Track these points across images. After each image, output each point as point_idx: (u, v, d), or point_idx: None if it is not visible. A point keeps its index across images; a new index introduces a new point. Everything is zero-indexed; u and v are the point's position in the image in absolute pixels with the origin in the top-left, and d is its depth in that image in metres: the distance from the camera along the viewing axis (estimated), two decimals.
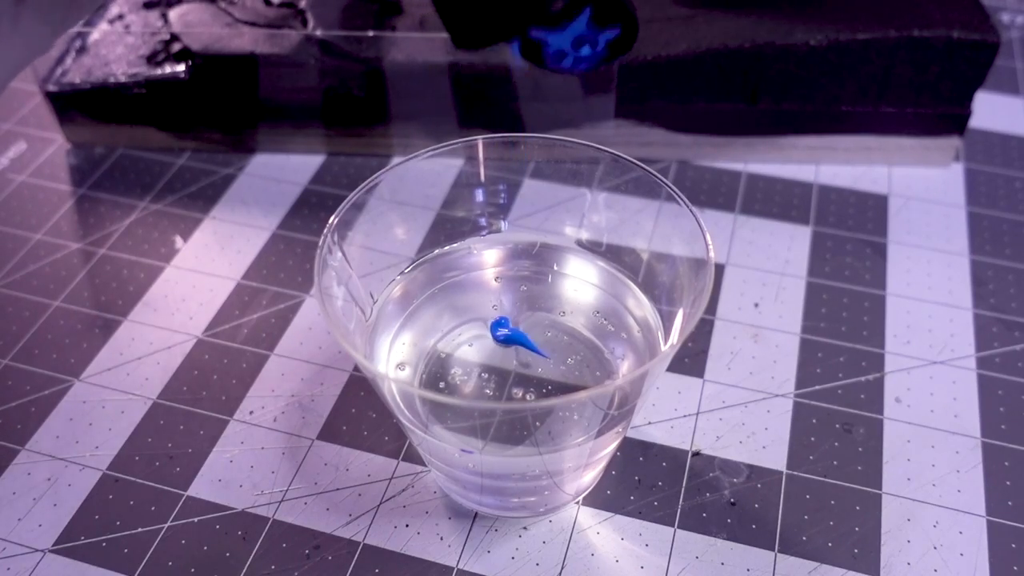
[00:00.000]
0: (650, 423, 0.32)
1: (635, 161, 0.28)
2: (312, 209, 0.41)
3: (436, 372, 0.28)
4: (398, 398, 0.26)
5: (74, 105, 0.42)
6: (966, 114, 0.42)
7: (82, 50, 0.42)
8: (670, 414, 0.32)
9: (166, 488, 0.30)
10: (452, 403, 0.26)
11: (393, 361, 0.28)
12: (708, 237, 0.25)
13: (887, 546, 0.29)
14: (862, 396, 0.33)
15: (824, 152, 0.43)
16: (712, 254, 0.25)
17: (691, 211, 0.26)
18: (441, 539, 0.29)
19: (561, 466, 0.26)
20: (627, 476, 0.30)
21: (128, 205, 0.41)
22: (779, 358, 0.34)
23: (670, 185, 0.27)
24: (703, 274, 0.25)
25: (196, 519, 0.29)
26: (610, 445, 0.28)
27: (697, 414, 0.32)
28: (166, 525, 0.29)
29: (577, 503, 0.29)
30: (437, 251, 0.31)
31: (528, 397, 0.27)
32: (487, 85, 0.40)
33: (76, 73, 0.42)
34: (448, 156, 0.28)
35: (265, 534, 0.29)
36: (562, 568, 0.28)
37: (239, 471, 0.30)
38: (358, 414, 0.32)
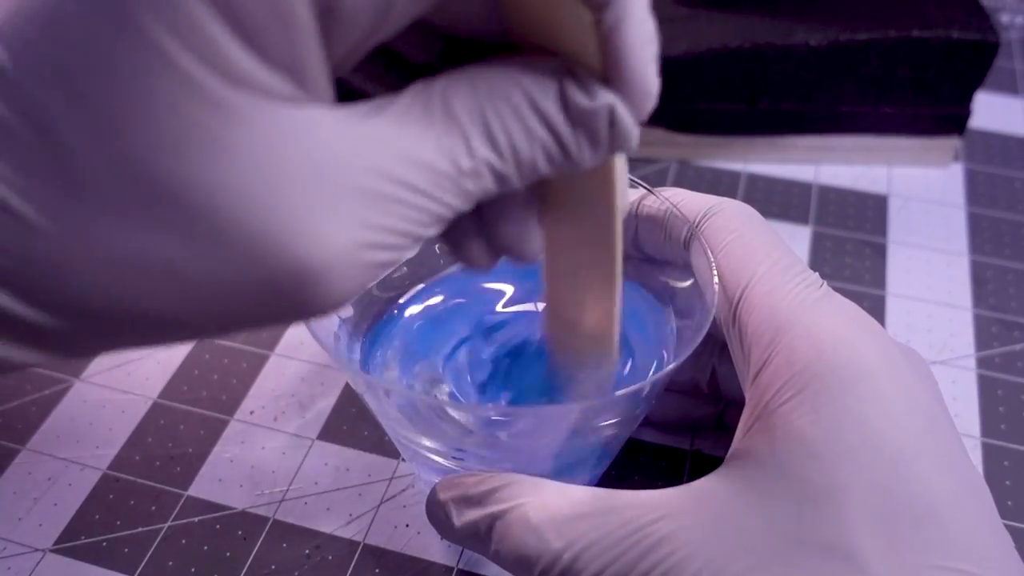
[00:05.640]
0: (650, 423, 0.32)
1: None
2: None
3: (426, 383, 0.28)
4: (388, 407, 0.26)
5: None
6: (966, 114, 0.42)
7: None
8: None
9: (166, 488, 0.30)
10: (438, 403, 0.26)
11: (384, 369, 0.28)
12: (713, 263, 0.25)
13: None
14: None
15: (824, 152, 0.43)
16: (716, 279, 0.25)
17: (692, 230, 0.26)
18: (441, 539, 0.29)
19: (558, 472, 0.26)
20: (627, 476, 0.30)
21: None
22: None
23: (672, 204, 0.27)
24: (704, 294, 0.25)
25: (196, 519, 0.29)
26: (607, 452, 0.27)
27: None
28: (166, 525, 0.29)
29: None
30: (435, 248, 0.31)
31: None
32: None
33: None
34: None
35: (265, 534, 0.29)
36: None
37: (239, 471, 0.30)
38: (358, 414, 0.32)
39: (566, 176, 0.18)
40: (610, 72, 0.16)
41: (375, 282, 0.16)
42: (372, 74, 0.19)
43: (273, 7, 0.14)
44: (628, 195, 0.21)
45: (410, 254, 0.17)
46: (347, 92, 0.17)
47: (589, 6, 0.15)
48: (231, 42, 0.14)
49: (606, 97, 0.17)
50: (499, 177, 0.17)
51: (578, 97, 0.16)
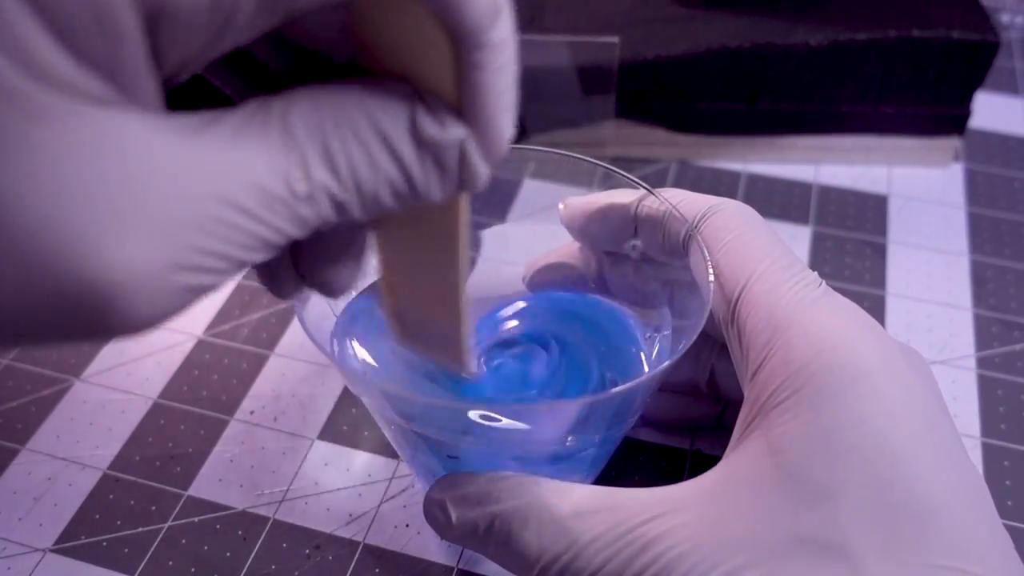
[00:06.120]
0: (650, 423, 0.32)
1: (621, 172, 0.28)
2: None
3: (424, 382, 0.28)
4: (382, 404, 0.26)
5: None
6: (966, 114, 0.42)
7: None
8: None
9: (166, 488, 0.30)
10: (428, 402, 0.26)
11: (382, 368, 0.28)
12: (709, 262, 0.25)
13: None
14: None
15: (824, 152, 0.43)
16: (713, 278, 0.25)
17: (691, 231, 0.26)
18: (440, 539, 0.29)
19: (555, 471, 0.26)
20: (627, 476, 0.30)
21: None
22: None
23: (670, 203, 0.27)
24: (701, 292, 0.25)
25: (196, 519, 0.29)
26: (605, 449, 0.27)
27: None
28: (166, 525, 0.29)
29: None
30: None
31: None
32: None
33: None
34: None
35: (265, 534, 0.29)
36: None
37: (239, 471, 0.30)
38: (358, 414, 0.32)
39: (407, 210, 0.17)
40: (465, 109, 0.15)
41: (190, 307, 0.15)
42: (224, 76, 0.18)
43: (91, 3, 0.12)
44: (470, 236, 0.19)
45: (231, 278, 0.15)
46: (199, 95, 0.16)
47: (453, 40, 0.15)
48: (36, 33, 0.12)
49: (458, 131, 0.16)
50: (338, 206, 0.15)
51: (429, 127, 0.15)
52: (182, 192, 0.14)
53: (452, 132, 0.16)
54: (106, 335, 0.14)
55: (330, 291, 0.20)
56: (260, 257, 0.15)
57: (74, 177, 0.13)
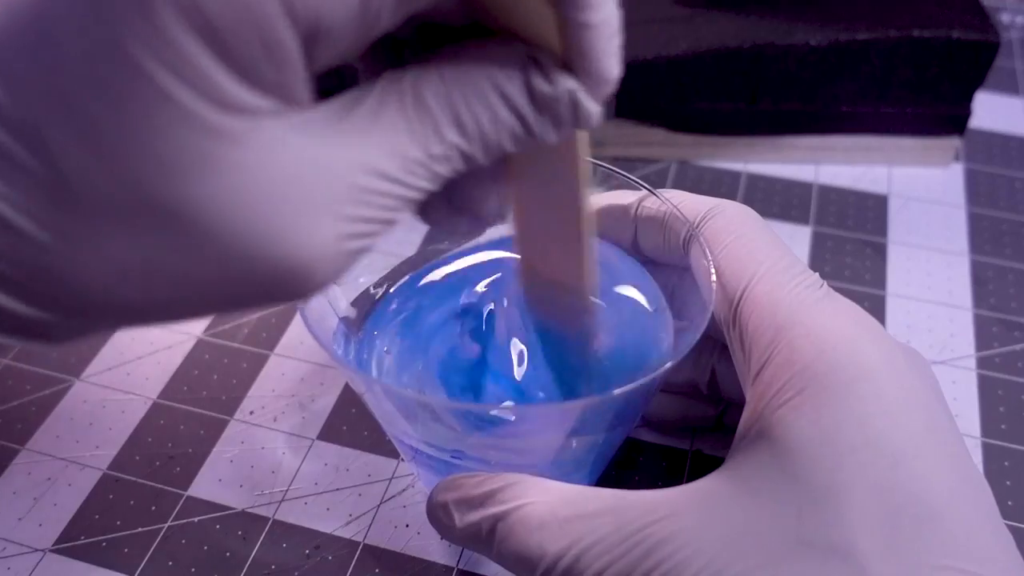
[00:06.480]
0: (650, 424, 0.32)
1: (621, 172, 0.28)
2: None
3: (425, 381, 0.28)
4: (385, 405, 0.26)
5: None
6: (966, 114, 0.42)
7: None
8: None
9: (166, 488, 0.30)
10: (430, 401, 0.26)
11: (383, 367, 0.28)
12: (712, 263, 0.25)
13: None
14: None
15: (824, 152, 0.43)
16: (715, 279, 0.25)
17: (691, 229, 0.26)
18: (441, 539, 0.29)
19: (557, 472, 0.26)
20: (627, 476, 0.30)
21: None
22: None
23: (672, 205, 0.27)
24: (703, 294, 0.25)
25: (196, 519, 0.29)
26: (606, 450, 0.27)
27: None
28: (166, 525, 0.29)
29: None
30: (434, 249, 0.31)
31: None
32: None
33: None
34: None
35: (265, 534, 0.29)
36: None
37: (239, 471, 0.30)
38: (358, 414, 0.32)
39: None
40: (570, 60, 0.17)
41: (352, 266, 0.18)
42: None
43: (262, 41, 0.14)
44: (590, 166, 0.22)
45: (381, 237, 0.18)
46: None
47: (552, 2, 0.16)
48: (222, 74, 0.14)
49: (567, 83, 0.17)
50: (466, 158, 0.18)
51: (540, 84, 0.17)
52: (343, 173, 0.16)
53: (561, 85, 0.17)
54: (287, 301, 0.17)
55: (479, 213, 0.21)
56: (406, 213, 0.18)
57: (261, 181, 0.15)
